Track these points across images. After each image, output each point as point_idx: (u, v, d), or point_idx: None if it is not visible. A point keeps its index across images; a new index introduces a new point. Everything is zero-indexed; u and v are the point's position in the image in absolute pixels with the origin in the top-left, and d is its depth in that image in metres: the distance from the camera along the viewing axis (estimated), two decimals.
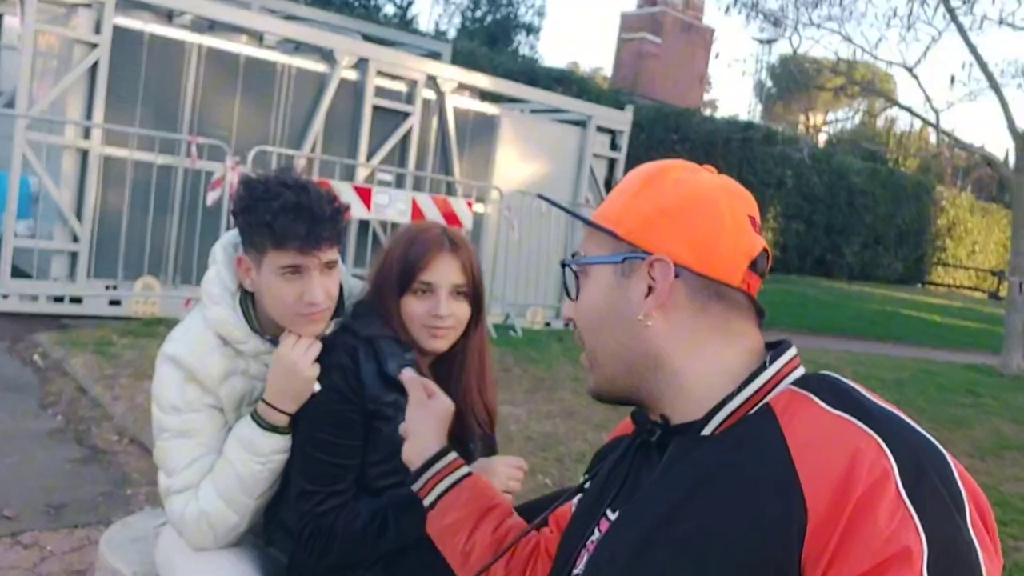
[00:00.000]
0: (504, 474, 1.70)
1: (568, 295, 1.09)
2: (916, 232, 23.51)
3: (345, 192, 6.78)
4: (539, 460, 4.38)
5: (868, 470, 0.80)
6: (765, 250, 1.01)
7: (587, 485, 1.20)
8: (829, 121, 33.97)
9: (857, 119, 32.38)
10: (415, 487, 1.33)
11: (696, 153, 17.57)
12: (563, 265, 1.08)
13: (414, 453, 1.35)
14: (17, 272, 6.14)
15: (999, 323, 11.30)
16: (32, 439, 3.82)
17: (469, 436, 1.81)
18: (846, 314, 14.45)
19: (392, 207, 7.11)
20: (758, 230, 1.02)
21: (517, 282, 8.18)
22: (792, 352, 1.00)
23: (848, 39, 11.32)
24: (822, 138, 29.55)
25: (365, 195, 7.00)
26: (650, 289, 0.98)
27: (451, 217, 7.33)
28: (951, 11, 10.26)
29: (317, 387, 1.65)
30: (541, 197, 1.26)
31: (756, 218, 1.02)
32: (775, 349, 1.01)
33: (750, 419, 0.94)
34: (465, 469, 1.34)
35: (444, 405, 1.44)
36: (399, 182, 7.82)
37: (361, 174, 7.55)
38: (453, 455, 1.34)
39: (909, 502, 0.79)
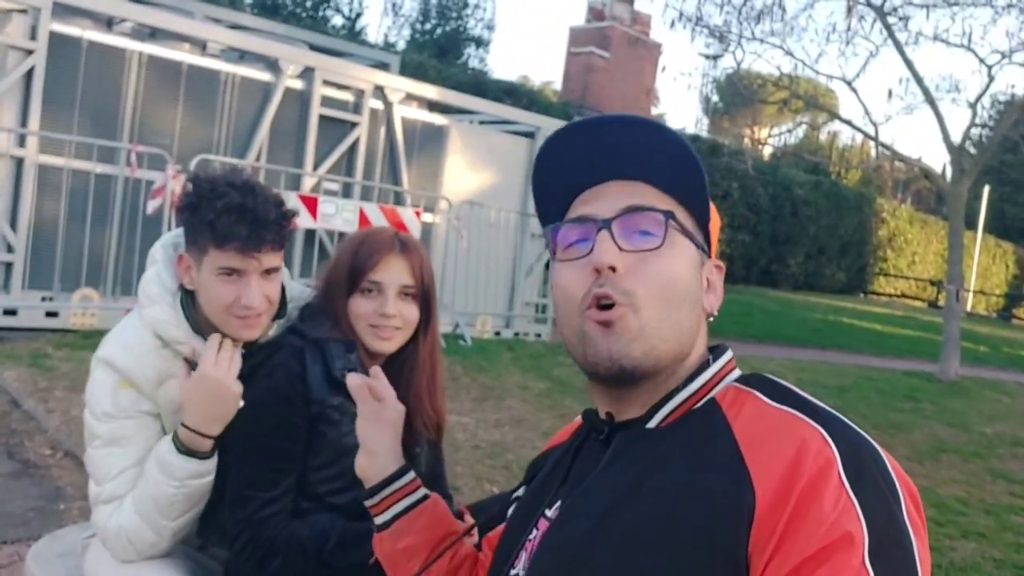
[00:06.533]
0: None
1: (615, 241, 0.94)
2: (858, 243, 24.03)
3: (291, 201, 6.71)
4: (486, 468, 4.36)
5: (813, 459, 0.83)
6: None
7: (521, 493, 1.19)
8: (774, 134, 34.62)
9: (800, 132, 33.10)
10: (369, 503, 1.27)
11: None
12: (643, 209, 0.95)
13: (371, 469, 1.28)
14: None
15: (938, 331, 11.59)
16: None
17: (416, 441, 1.78)
18: (790, 323, 14.71)
19: (339, 216, 7.06)
20: None
21: (466, 291, 8.17)
22: (730, 353, 1.04)
23: (790, 53, 11.52)
24: (767, 151, 30.10)
25: (311, 204, 6.93)
26: (708, 287, 1.01)
27: (399, 227, 7.26)
28: (888, 27, 10.54)
29: (241, 402, 1.58)
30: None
31: None
32: (714, 350, 1.04)
33: (696, 413, 0.96)
34: (423, 491, 1.29)
35: (396, 411, 1.36)
36: (347, 191, 7.76)
37: (307, 183, 7.47)
38: (411, 475, 1.29)
39: (851, 490, 0.81)
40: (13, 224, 6.06)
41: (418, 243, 1.79)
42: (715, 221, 1.03)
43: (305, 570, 1.58)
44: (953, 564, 3.96)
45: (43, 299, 6.18)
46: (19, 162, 6.09)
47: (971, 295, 26.22)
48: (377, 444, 1.30)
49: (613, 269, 0.93)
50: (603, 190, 1.00)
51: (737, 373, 1.02)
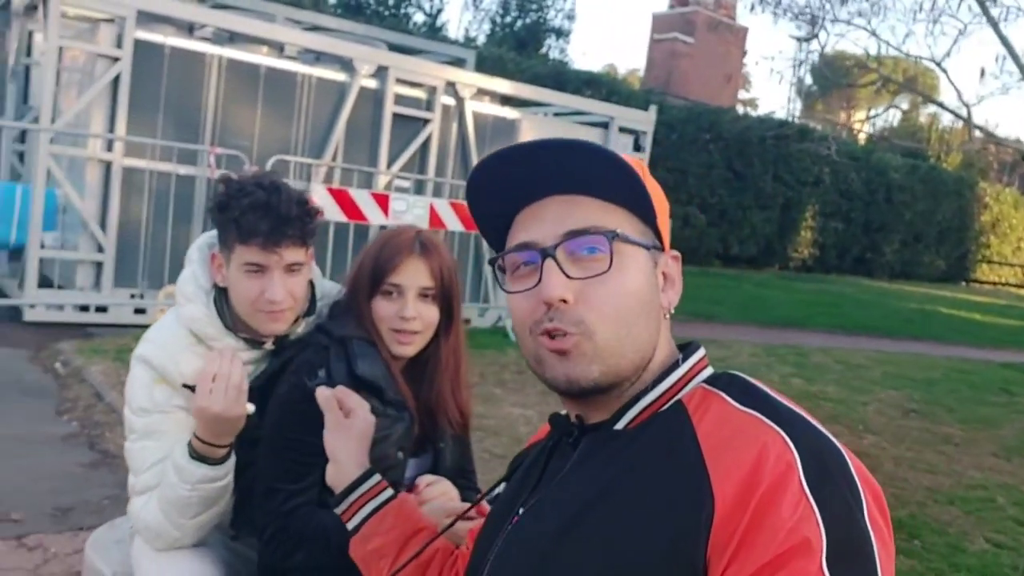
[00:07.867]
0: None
1: (563, 270, 0.95)
2: (958, 229, 23.03)
3: (363, 199, 6.85)
4: None
5: (773, 464, 0.83)
6: None
7: (501, 489, 1.21)
8: (870, 117, 33.42)
9: (898, 116, 31.90)
10: (338, 511, 1.33)
11: (729, 152, 17.39)
12: (584, 233, 0.95)
13: (337, 478, 1.34)
14: (45, 282, 6.30)
15: None
16: (45, 444, 3.92)
17: (440, 436, 1.83)
18: (882, 313, 14.19)
19: (410, 213, 7.15)
20: None
21: None
22: (702, 352, 1.04)
23: (874, 34, 11.12)
24: (863, 136, 29.11)
25: (383, 201, 7.05)
26: (665, 281, 1.01)
27: (469, 222, 7.36)
28: (981, 3, 10.04)
29: (251, 408, 1.61)
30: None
31: None
32: (686, 349, 1.04)
33: (662, 415, 0.96)
34: (389, 492, 1.32)
35: (364, 423, 1.41)
36: (419, 188, 7.87)
37: (381, 181, 7.62)
38: (376, 478, 1.33)
39: (811, 495, 0.81)
40: (103, 225, 6.38)
41: (439, 244, 1.81)
42: (663, 209, 1.02)
43: (329, 559, 1.63)
44: None
45: (131, 296, 6.49)
46: (107, 166, 6.40)
47: None
48: (341, 453, 1.35)
49: (564, 301, 0.94)
50: (544, 207, 1.00)
51: (708, 372, 1.02)
